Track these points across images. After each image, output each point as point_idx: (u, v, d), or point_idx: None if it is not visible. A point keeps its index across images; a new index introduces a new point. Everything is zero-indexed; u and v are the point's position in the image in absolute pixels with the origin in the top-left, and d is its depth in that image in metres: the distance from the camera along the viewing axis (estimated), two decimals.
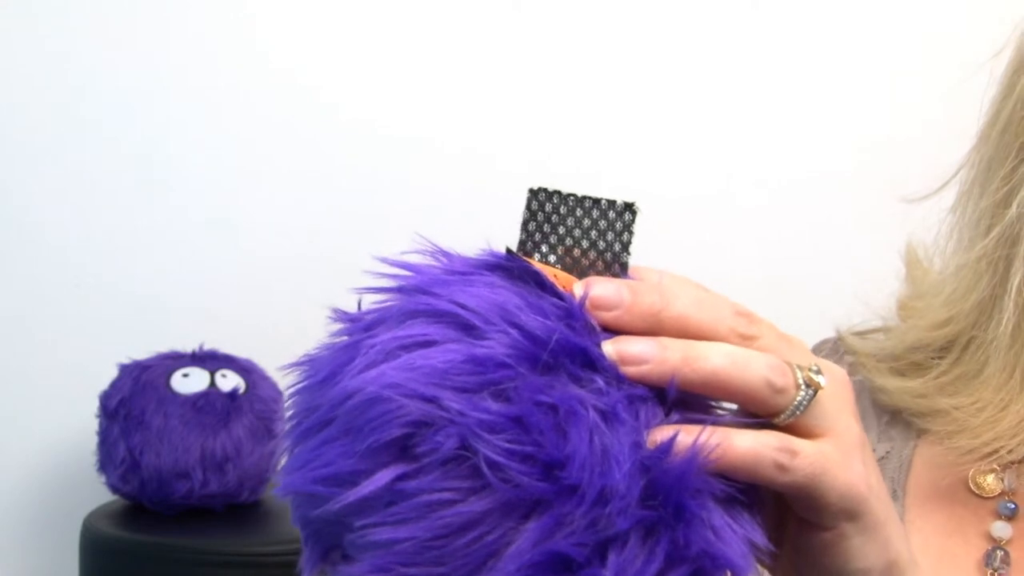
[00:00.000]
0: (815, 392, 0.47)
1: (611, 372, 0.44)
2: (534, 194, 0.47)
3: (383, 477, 0.42)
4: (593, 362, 0.43)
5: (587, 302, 0.45)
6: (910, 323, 0.77)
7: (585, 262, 0.47)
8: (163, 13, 1.78)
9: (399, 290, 0.46)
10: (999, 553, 0.71)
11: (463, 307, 0.43)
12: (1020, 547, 0.71)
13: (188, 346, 1.66)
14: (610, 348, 0.44)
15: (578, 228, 0.47)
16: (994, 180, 0.71)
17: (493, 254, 0.46)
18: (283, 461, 0.46)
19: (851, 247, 1.83)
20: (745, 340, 0.47)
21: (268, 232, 1.81)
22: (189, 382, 1.60)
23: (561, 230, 0.47)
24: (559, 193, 0.47)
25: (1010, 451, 0.70)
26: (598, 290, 0.45)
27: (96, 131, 1.77)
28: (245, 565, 1.50)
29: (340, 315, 0.47)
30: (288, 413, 0.46)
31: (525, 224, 0.47)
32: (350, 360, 0.44)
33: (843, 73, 1.91)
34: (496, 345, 0.43)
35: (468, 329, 0.43)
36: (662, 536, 0.42)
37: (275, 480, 0.46)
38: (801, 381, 0.46)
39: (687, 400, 0.46)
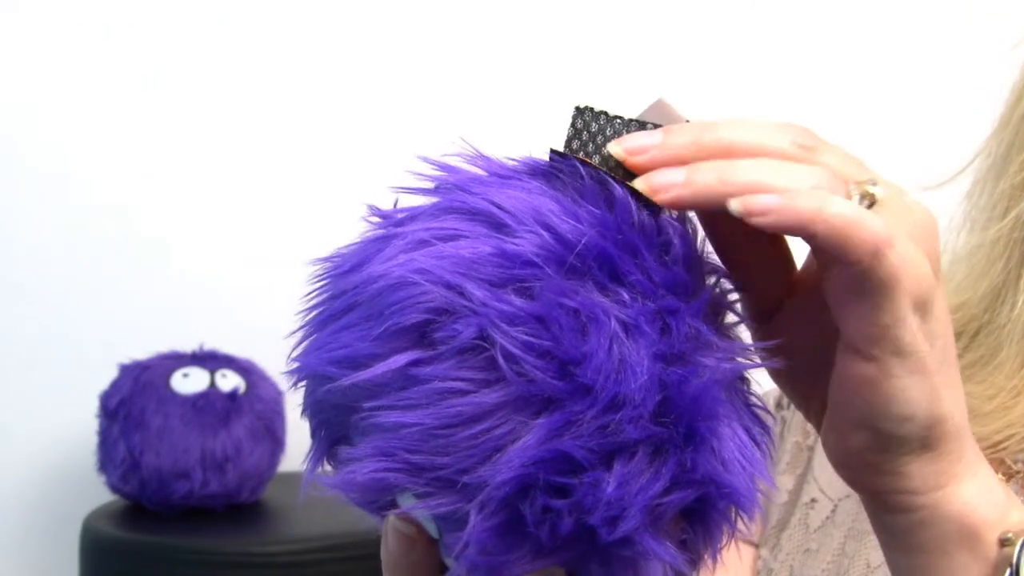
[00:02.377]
0: (870, 204, 0.44)
1: (638, 287, 0.43)
2: (580, 112, 0.46)
3: (398, 360, 0.42)
4: (620, 275, 0.43)
5: (623, 150, 0.44)
6: None
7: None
8: (158, 14, 1.78)
9: (436, 189, 0.45)
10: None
11: (497, 206, 0.43)
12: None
13: (188, 346, 1.66)
14: (641, 183, 0.43)
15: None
16: (1013, 164, 0.70)
17: (535, 161, 0.46)
18: (300, 348, 0.46)
19: None
20: (807, 152, 0.45)
21: (268, 232, 1.81)
22: (189, 382, 1.60)
23: (605, 151, 0.46)
24: (605, 113, 0.46)
25: (1021, 439, 0.69)
26: (631, 139, 0.45)
27: (96, 131, 1.77)
28: (245, 565, 1.50)
29: (374, 210, 0.46)
30: (308, 302, 0.46)
31: (569, 141, 0.47)
32: (379, 250, 0.44)
33: (843, 73, 1.91)
34: (526, 243, 0.42)
35: (500, 227, 0.43)
36: (670, 456, 0.42)
37: (290, 363, 0.46)
38: (855, 193, 0.44)
39: (725, 323, 0.45)
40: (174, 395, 1.58)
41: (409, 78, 1.84)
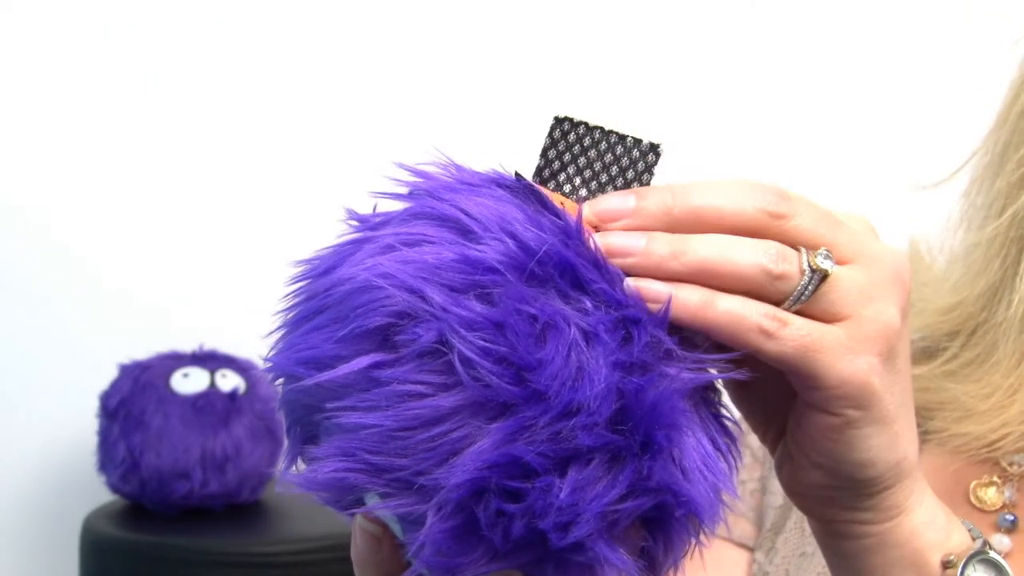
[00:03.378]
0: (823, 277, 0.46)
1: (601, 296, 0.44)
2: (559, 122, 0.47)
3: (360, 362, 0.43)
4: (583, 283, 0.44)
5: (594, 215, 0.45)
6: (916, 310, 0.75)
7: (610, 190, 0.47)
8: (164, 14, 1.78)
9: (409, 194, 0.46)
10: (984, 547, 0.70)
11: (465, 213, 0.44)
12: (1019, 560, 0.70)
13: (188, 346, 1.66)
14: (599, 240, 0.45)
15: (599, 162, 0.47)
16: (1010, 162, 0.70)
17: (503, 175, 0.47)
18: (275, 347, 0.47)
19: None
20: (776, 219, 0.46)
21: (269, 232, 1.81)
22: (189, 382, 1.60)
23: (581, 161, 0.47)
24: (585, 124, 0.47)
25: (1017, 438, 0.69)
26: (604, 202, 0.46)
27: (97, 131, 1.77)
28: (245, 565, 1.50)
29: (352, 214, 0.47)
30: (286, 303, 0.47)
31: (545, 151, 0.47)
32: (351, 254, 0.45)
33: (841, 72, 1.91)
34: (489, 250, 0.43)
35: (466, 234, 0.44)
36: (627, 464, 0.42)
37: (265, 360, 0.47)
38: (806, 266, 0.46)
39: (689, 335, 0.46)
40: (174, 395, 1.58)
41: (405, 81, 1.84)
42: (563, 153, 0.47)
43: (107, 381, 1.62)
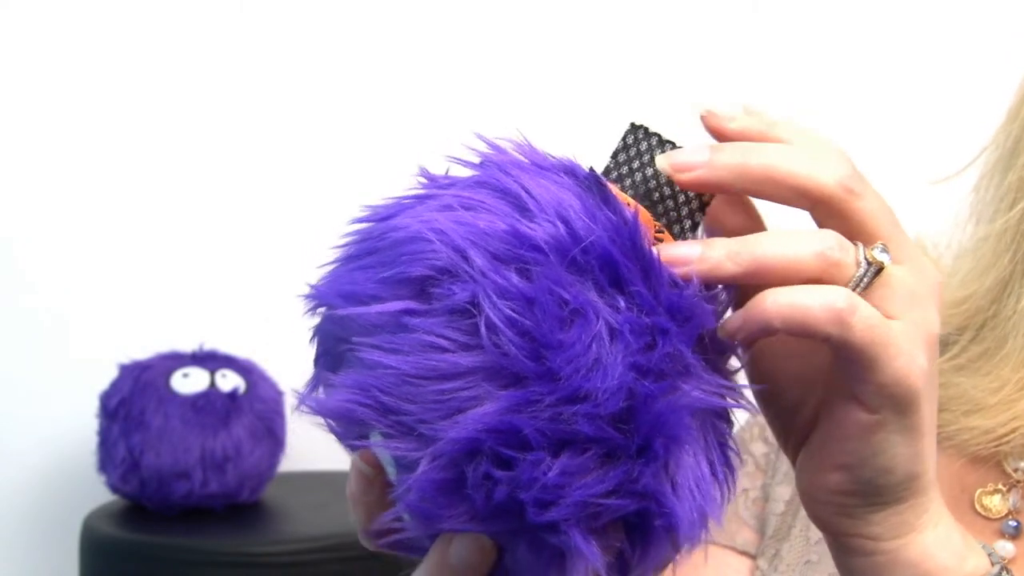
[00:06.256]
0: (878, 270, 0.46)
1: (636, 298, 0.45)
2: (633, 129, 0.49)
3: (394, 306, 0.44)
4: (621, 281, 0.45)
5: (669, 165, 0.47)
6: None
7: (660, 209, 0.49)
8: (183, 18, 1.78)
9: (480, 164, 0.48)
10: (1001, 573, 0.70)
11: (526, 190, 0.46)
12: (1023, 566, 0.70)
13: (188, 346, 1.66)
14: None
15: (661, 178, 0.49)
16: (1020, 157, 0.70)
17: (576, 165, 0.48)
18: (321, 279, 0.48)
19: None
20: (847, 193, 0.47)
21: (269, 232, 1.81)
22: (189, 382, 1.60)
23: (649, 171, 0.49)
24: (659, 136, 0.49)
25: None
26: (678, 155, 0.48)
27: (97, 131, 1.77)
28: (245, 565, 1.50)
29: (423, 172, 0.49)
30: (343, 240, 0.49)
31: (616, 154, 0.49)
32: (412, 207, 0.47)
33: (849, 68, 1.91)
34: (539, 230, 0.45)
35: (522, 210, 0.45)
36: (621, 463, 0.43)
37: (309, 287, 0.49)
38: (863, 258, 0.46)
39: (714, 358, 0.46)
40: (174, 395, 1.58)
41: (405, 82, 1.84)
42: (632, 159, 0.49)
43: (107, 381, 1.62)
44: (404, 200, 0.48)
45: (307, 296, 0.48)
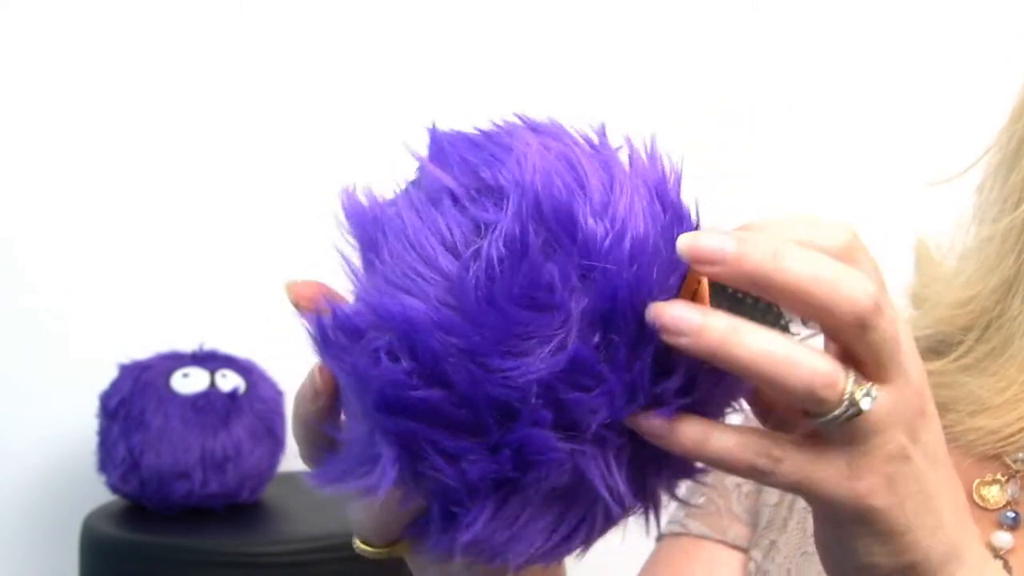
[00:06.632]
0: (857, 412, 0.45)
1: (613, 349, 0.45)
2: (716, 290, 0.48)
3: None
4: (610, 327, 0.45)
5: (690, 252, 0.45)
6: (928, 305, 0.75)
7: None
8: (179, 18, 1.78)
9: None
10: (999, 563, 0.70)
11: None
12: (1021, 557, 0.70)
13: (188, 346, 1.66)
14: (657, 308, 0.45)
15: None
16: (1023, 157, 0.71)
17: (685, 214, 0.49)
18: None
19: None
20: (866, 330, 0.45)
21: (269, 233, 1.81)
22: (189, 382, 1.60)
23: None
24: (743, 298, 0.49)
25: None
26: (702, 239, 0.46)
27: (97, 130, 1.77)
28: (245, 565, 1.50)
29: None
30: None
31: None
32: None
33: (851, 69, 1.91)
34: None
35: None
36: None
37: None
38: (847, 396, 0.45)
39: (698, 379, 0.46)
40: (174, 395, 1.58)
41: (405, 83, 1.84)
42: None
43: (107, 381, 1.62)
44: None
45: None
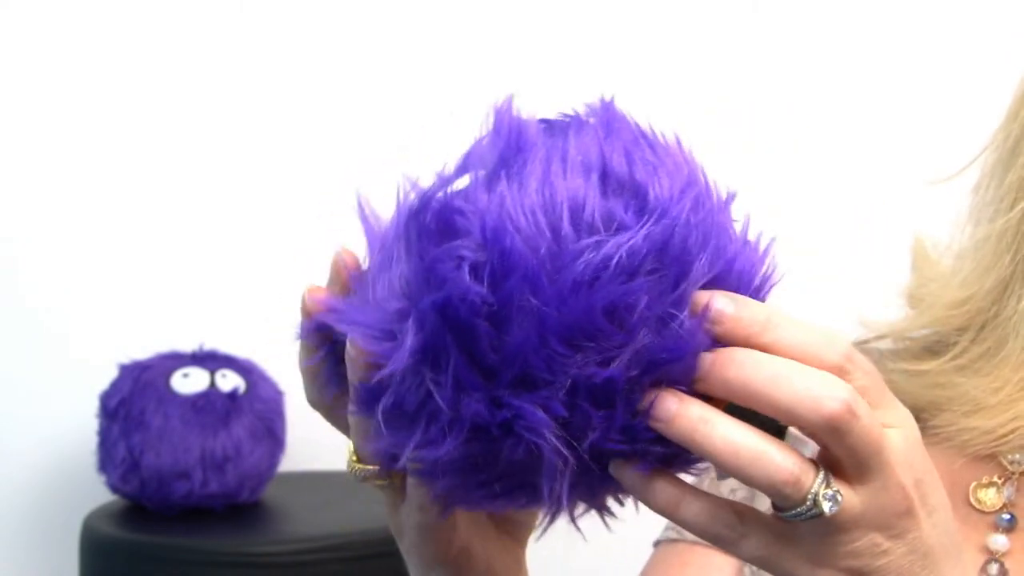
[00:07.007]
0: (818, 514, 0.47)
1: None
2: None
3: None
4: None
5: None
6: (924, 305, 0.76)
7: None
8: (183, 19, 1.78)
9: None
10: (995, 566, 0.70)
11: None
12: (1018, 559, 0.70)
13: (188, 346, 1.66)
14: (652, 396, 0.47)
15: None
16: (1020, 157, 0.70)
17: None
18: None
19: (855, 246, 1.83)
20: (849, 417, 0.47)
21: (269, 233, 1.81)
22: (189, 382, 1.60)
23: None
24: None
25: None
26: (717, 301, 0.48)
27: (97, 130, 1.77)
28: (245, 565, 1.50)
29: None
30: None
31: None
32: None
33: (848, 69, 1.91)
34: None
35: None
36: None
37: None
38: (811, 496, 0.47)
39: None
40: (174, 395, 1.58)
41: (405, 84, 1.84)
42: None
43: (107, 381, 1.62)
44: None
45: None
